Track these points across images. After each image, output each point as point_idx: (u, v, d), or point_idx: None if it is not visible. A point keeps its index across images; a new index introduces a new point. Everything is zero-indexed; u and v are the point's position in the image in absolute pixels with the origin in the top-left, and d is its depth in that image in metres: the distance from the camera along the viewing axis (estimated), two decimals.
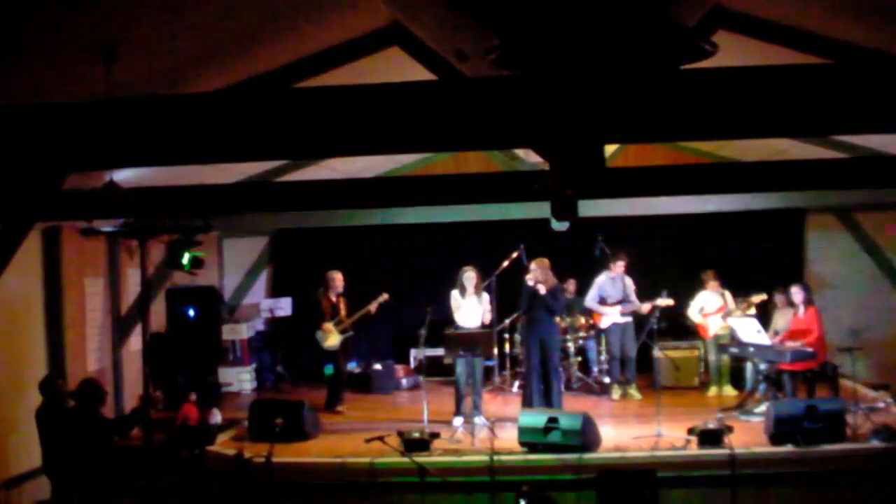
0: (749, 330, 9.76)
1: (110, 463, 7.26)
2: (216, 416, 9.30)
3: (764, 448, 7.97)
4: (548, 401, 9.37)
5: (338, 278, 10.59)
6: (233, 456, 7.98)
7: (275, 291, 13.25)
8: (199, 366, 11.13)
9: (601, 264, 11.07)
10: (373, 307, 10.52)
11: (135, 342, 10.32)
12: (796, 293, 9.61)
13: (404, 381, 12.18)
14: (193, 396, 9.30)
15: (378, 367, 11.98)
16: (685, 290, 10.97)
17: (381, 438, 7.14)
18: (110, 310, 10.14)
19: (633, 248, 11.07)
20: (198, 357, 11.02)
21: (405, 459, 7.11)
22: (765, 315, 10.39)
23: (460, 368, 9.40)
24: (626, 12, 3.96)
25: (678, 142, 10.79)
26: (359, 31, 7.44)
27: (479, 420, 8.92)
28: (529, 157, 10.84)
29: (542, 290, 9.44)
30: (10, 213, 5.79)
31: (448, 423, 9.19)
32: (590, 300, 10.86)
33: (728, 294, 10.80)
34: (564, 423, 7.99)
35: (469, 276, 9.59)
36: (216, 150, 4.41)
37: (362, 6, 6.83)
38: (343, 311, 10.53)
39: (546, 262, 9.63)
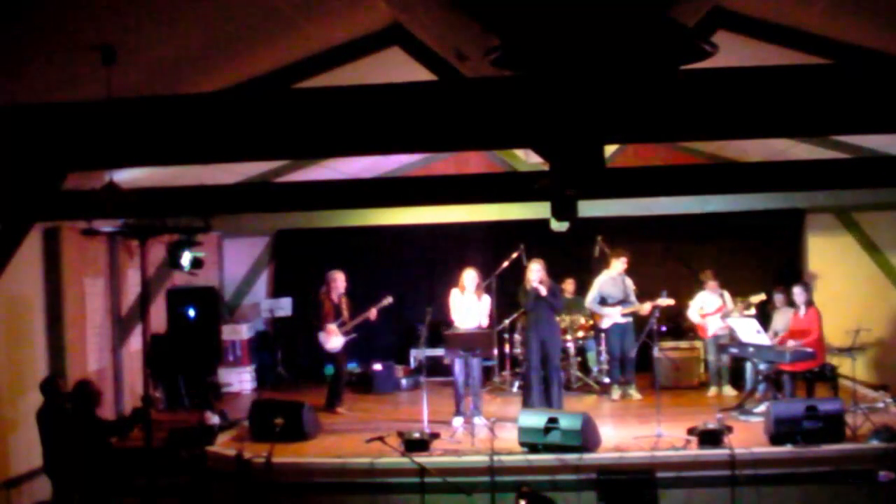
0: (749, 330, 9.77)
1: (109, 463, 7.27)
2: (213, 419, 9.29)
3: (764, 448, 7.97)
4: (548, 401, 9.37)
5: (339, 278, 10.44)
6: (233, 456, 7.98)
7: (275, 291, 13.25)
8: (199, 366, 11.13)
9: (601, 264, 11.07)
10: (372, 313, 10.27)
11: (135, 342, 10.32)
12: (798, 293, 9.62)
13: (404, 381, 12.16)
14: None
15: (378, 367, 11.97)
16: (685, 290, 10.98)
17: (381, 438, 7.15)
18: (110, 310, 10.14)
19: (633, 248, 11.07)
20: (198, 357, 11.01)
21: (405, 459, 7.11)
22: (764, 315, 10.39)
23: (458, 369, 9.41)
24: (625, 12, 3.95)
25: (678, 142, 10.81)
26: (359, 31, 7.44)
27: (478, 420, 8.92)
28: (529, 157, 10.84)
29: (543, 290, 9.46)
30: (10, 213, 5.79)
31: (448, 423, 9.20)
32: (590, 301, 10.83)
33: (727, 294, 10.80)
34: (564, 423, 7.98)
35: (470, 276, 9.58)
36: (216, 150, 4.41)
37: (362, 6, 6.83)
38: (346, 313, 10.40)
39: (542, 262, 9.66)
